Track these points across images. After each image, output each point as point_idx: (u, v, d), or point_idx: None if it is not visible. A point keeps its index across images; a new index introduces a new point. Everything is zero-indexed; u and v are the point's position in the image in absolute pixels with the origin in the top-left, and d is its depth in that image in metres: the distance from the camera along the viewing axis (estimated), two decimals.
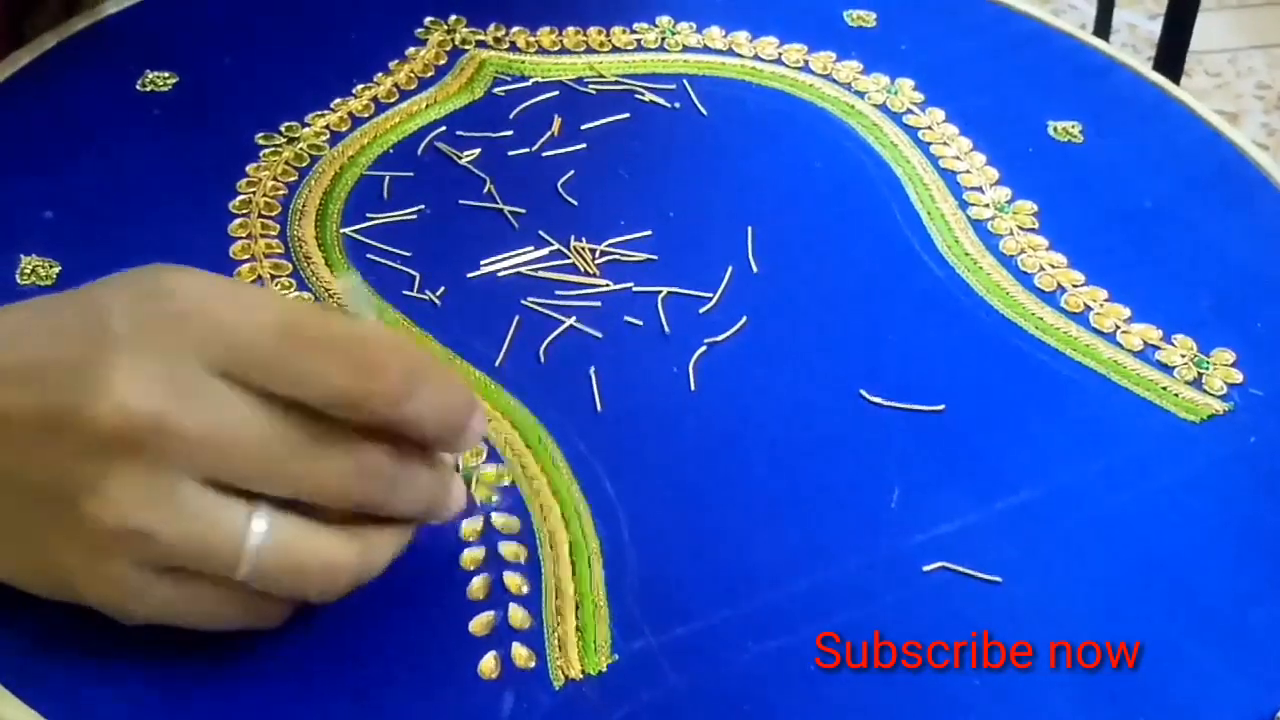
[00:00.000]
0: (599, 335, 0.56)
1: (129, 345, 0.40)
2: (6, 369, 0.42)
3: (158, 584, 0.42)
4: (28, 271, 0.56)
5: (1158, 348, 0.57)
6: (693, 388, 0.54)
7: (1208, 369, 0.56)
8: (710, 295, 0.58)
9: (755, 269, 0.59)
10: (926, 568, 0.49)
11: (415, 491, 0.44)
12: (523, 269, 0.58)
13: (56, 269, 0.56)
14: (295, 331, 0.41)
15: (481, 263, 0.58)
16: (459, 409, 0.43)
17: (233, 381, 0.41)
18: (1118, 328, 0.58)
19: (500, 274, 0.58)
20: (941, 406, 0.54)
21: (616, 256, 0.59)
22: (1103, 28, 1.38)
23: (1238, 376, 0.56)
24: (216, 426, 0.40)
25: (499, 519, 0.49)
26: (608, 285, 0.58)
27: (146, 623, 0.43)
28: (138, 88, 0.65)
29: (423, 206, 0.61)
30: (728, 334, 0.56)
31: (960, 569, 0.49)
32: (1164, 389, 0.56)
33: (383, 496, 0.43)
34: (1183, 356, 0.57)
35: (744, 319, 0.57)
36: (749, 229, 0.61)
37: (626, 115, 0.66)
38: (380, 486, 0.43)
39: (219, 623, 0.44)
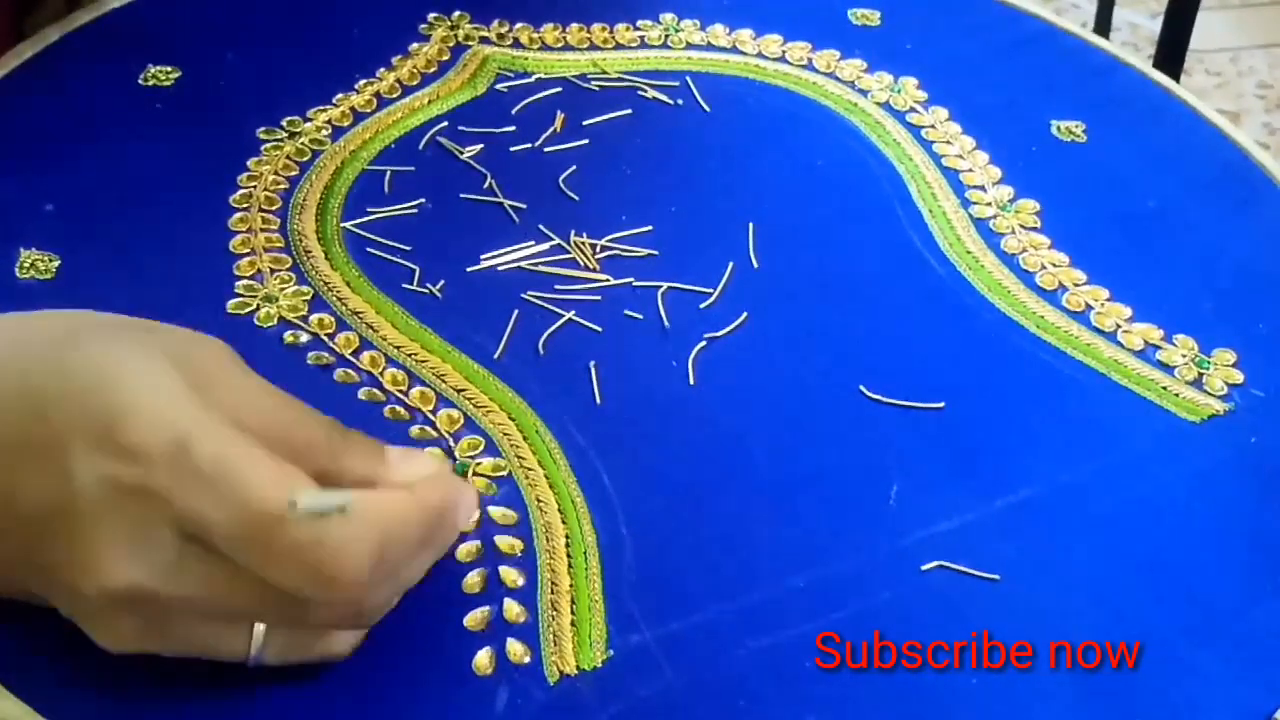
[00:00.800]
0: (598, 329, 0.55)
1: (100, 515, 0.39)
2: None
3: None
4: (27, 265, 0.56)
5: (1158, 347, 0.57)
6: (692, 382, 0.54)
7: (1208, 369, 0.56)
8: (711, 291, 0.58)
9: (756, 265, 0.59)
10: (925, 567, 0.48)
11: (415, 577, 0.45)
12: (523, 263, 0.58)
13: (56, 263, 0.56)
14: (253, 531, 0.39)
15: (481, 256, 0.58)
16: (435, 527, 0.44)
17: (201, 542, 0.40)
18: (1119, 327, 0.58)
19: (500, 268, 0.58)
20: (941, 404, 0.54)
21: (617, 252, 0.59)
22: (1103, 26, 1.38)
23: (1238, 377, 0.56)
24: (200, 589, 0.40)
25: (496, 511, 0.49)
26: (608, 280, 0.58)
27: None
28: (140, 82, 0.65)
29: (423, 201, 0.61)
30: (727, 329, 0.56)
31: (958, 568, 0.48)
32: (1164, 389, 0.55)
33: (384, 609, 0.44)
34: (1184, 356, 0.57)
35: (744, 314, 0.57)
36: (751, 225, 0.60)
37: (629, 112, 0.66)
38: (378, 611, 0.44)
39: None
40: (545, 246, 0.59)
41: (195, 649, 0.42)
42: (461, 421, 0.52)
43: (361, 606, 0.42)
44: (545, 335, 0.55)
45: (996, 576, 0.48)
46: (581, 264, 0.58)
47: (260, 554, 0.39)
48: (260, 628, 0.42)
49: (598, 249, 0.59)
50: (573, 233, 0.59)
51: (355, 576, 0.40)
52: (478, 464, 0.50)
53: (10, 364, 0.42)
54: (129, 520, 0.39)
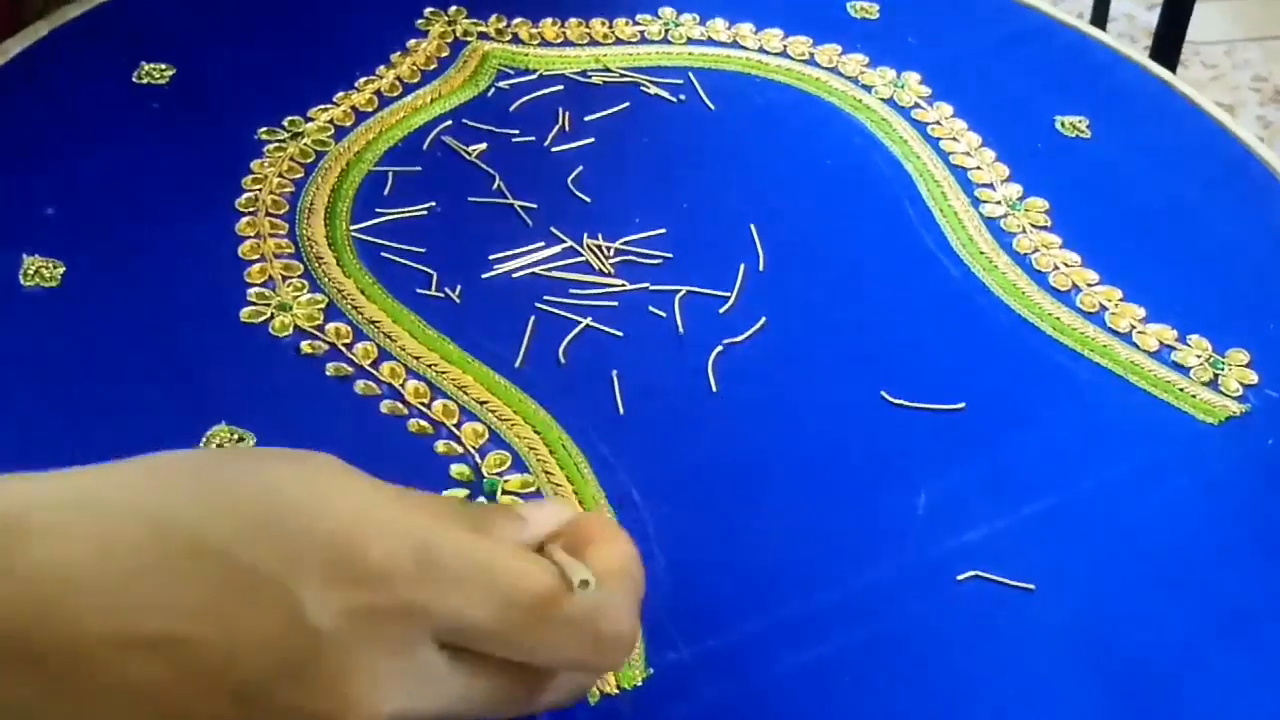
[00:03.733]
0: (619, 334, 0.55)
1: (351, 644, 0.36)
2: (194, 664, 0.35)
3: None
4: (31, 273, 0.55)
5: (1173, 348, 0.57)
6: (714, 389, 0.54)
7: (1223, 370, 0.56)
8: (727, 295, 0.57)
9: (770, 268, 0.59)
10: (960, 576, 0.48)
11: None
12: (537, 269, 0.57)
13: (61, 269, 0.55)
14: (521, 613, 0.38)
15: (491, 258, 0.57)
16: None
17: (453, 649, 0.38)
18: (1133, 328, 0.58)
19: (515, 274, 0.57)
20: (962, 404, 0.54)
21: (631, 256, 0.58)
22: (1100, 17, 1.38)
23: (1253, 377, 0.56)
24: (449, 699, 0.38)
25: None
26: (624, 285, 0.57)
27: None
28: (134, 80, 0.64)
29: (433, 204, 0.60)
30: (747, 334, 0.56)
31: (994, 578, 0.48)
32: (1181, 390, 0.55)
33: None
34: (1198, 357, 0.57)
35: (763, 320, 0.56)
36: (763, 227, 0.60)
37: (634, 109, 0.66)
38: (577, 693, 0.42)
39: None
40: (558, 249, 0.58)
41: None
42: (486, 435, 0.51)
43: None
44: (565, 343, 0.54)
45: (1031, 586, 0.48)
46: (595, 268, 0.58)
47: (532, 629, 0.38)
48: None
49: (610, 252, 0.58)
50: (585, 235, 0.59)
51: (633, 633, 0.39)
52: (505, 480, 0.50)
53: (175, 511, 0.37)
54: (387, 645, 0.36)
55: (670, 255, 0.59)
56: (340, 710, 0.36)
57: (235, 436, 0.49)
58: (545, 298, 0.56)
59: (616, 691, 0.44)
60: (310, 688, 0.36)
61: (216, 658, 0.35)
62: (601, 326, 0.55)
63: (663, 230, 0.59)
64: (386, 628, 0.36)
